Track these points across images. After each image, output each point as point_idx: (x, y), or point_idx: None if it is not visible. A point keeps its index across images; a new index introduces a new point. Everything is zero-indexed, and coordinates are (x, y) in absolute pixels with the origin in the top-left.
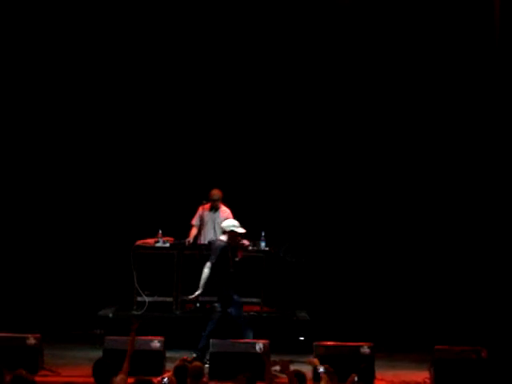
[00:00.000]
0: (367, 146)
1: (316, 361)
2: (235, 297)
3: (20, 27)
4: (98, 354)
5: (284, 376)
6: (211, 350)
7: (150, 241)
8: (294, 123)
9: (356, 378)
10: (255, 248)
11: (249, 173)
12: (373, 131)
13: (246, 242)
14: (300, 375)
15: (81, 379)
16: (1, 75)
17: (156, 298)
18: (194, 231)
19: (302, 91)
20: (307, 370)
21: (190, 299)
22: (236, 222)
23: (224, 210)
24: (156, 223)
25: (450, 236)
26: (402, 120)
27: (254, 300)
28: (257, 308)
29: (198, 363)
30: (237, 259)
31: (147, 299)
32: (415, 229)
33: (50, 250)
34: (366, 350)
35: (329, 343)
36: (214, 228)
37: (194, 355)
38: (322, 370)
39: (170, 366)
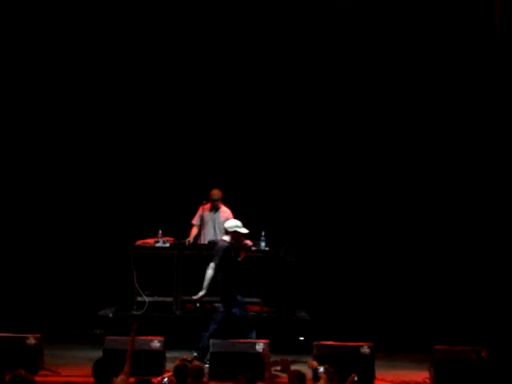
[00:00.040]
0: (367, 146)
1: (315, 363)
2: (238, 297)
3: (20, 27)
4: (98, 353)
5: (284, 376)
6: (211, 350)
7: (150, 241)
8: (293, 123)
9: (356, 378)
10: (255, 248)
11: (249, 173)
12: (373, 131)
13: (248, 242)
14: (300, 375)
15: (81, 379)
16: (1, 75)
17: (156, 298)
18: (194, 231)
19: (302, 91)
20: (307, 370)
21: (195, 300)
22: (239, 223)
23: (224, 210)
24: (156, 223)
25: (449, 236)
26: (401, 120)
27: (254, 300)
28: (257, 308)
29: (198, 363)
30: (240, 259)
31: (147, 299)
32: (415, 229)
33: (50, 250)
34: (365, 349)
35: (329, 343)
36: (215, 228)
37: (195, 354)
38: (321, 369)
39: (170, 366)
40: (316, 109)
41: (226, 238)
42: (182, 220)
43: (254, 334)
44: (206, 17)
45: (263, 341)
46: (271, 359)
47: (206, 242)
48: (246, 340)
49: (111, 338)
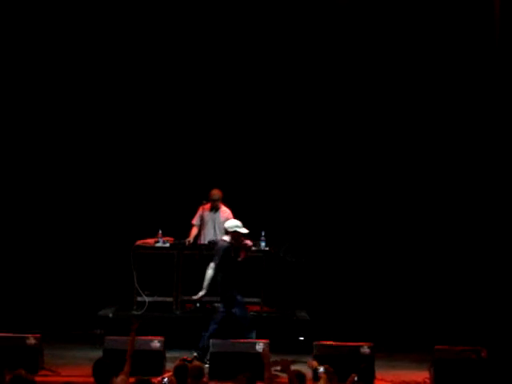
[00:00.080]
0: (367, 146)
1: (315, 363)
2: (238, 297)
3: (20, 27)
4: (98, 353)
5: (284, 376)
6: (211, 350)
7: (150, 241)
8: (293, 123)
9: (356, 378)
10: (255, 248)
11: (249, 173)
12: (372, 131)
13: (248, 242)
14: (300, 375)
15: (81, 379)
16: (1, 75)
17: (156, 298)
18: (194, 231)
19: (302, 91)
20: (307, 370)
21: (195, 300)
22: (239, 223)
23: (224, 210)
24: (156, 223)
25: (449, 236)
26: (401, 120)
27: (254, 300)
28: (257, 308)
29: (198, 363)
30: (240, 259)
31: (147, 299)
32: (415, 229)
33: (50, 250)
34: (365, 349)
35: (329, 343)
36: (215, 228)
37: (195, 354)
38: (321, 369)
39: (170, 366)
40: (316, 109)
41: (226, 237)
42: (181, 220)
43: (254, 334)
44: (205, 17)
45: (263, 341)
46: (271, 359)
47: (206, 242)
48: (245, 340)
49: (111, 337)
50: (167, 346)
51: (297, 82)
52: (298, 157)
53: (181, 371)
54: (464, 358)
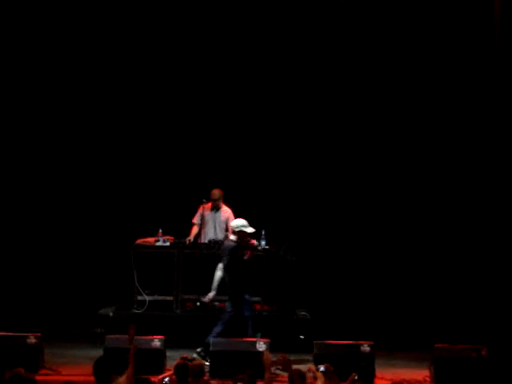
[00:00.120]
0: (367, 145)
1: (313, 367)
2: (246, 296)
3: (20, 27)
4: (98, 352)
5: (285, 374)
6: (212, 348)
7: (151, 240)
8: (293, 123)
9: (356, 377)
10: (259, 247)
11: (249, 172)
12: (372, 131)
13: (253, 241)
14: (300, 375)
15: (81, 378)
16: (1, 75)
17: (156, 297)
18: (194, 230)
19: (302, 91)
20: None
21: (205, 302)
22: (245, 222)
23: (225, 210)
24: (156, 222)
25: (449, 236)
26: (401, 120)
27: (255, 298)
28: (257, 306)
29: (198, 361)
30: (246, 258)
31: (147, 298)
32: (415, 229)
33: (50, 250)
34: (366, 348)
35: (329, 342)
36: (215, 227)
37: (195, 355)
38: (322, 369)
39: (170, 364)
40: (316, 109)
41: (232, 237)
42: (182, 219)
43: (259, 335)
44: (205, 17)
45: (263, 340)
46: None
47: (207, 241)
48: (246, 338)
49: (112, 336)
50: (168, 344)
51: (297, 82)
52: (298, 156)
53: (181, 370)
54: (464, 356)
